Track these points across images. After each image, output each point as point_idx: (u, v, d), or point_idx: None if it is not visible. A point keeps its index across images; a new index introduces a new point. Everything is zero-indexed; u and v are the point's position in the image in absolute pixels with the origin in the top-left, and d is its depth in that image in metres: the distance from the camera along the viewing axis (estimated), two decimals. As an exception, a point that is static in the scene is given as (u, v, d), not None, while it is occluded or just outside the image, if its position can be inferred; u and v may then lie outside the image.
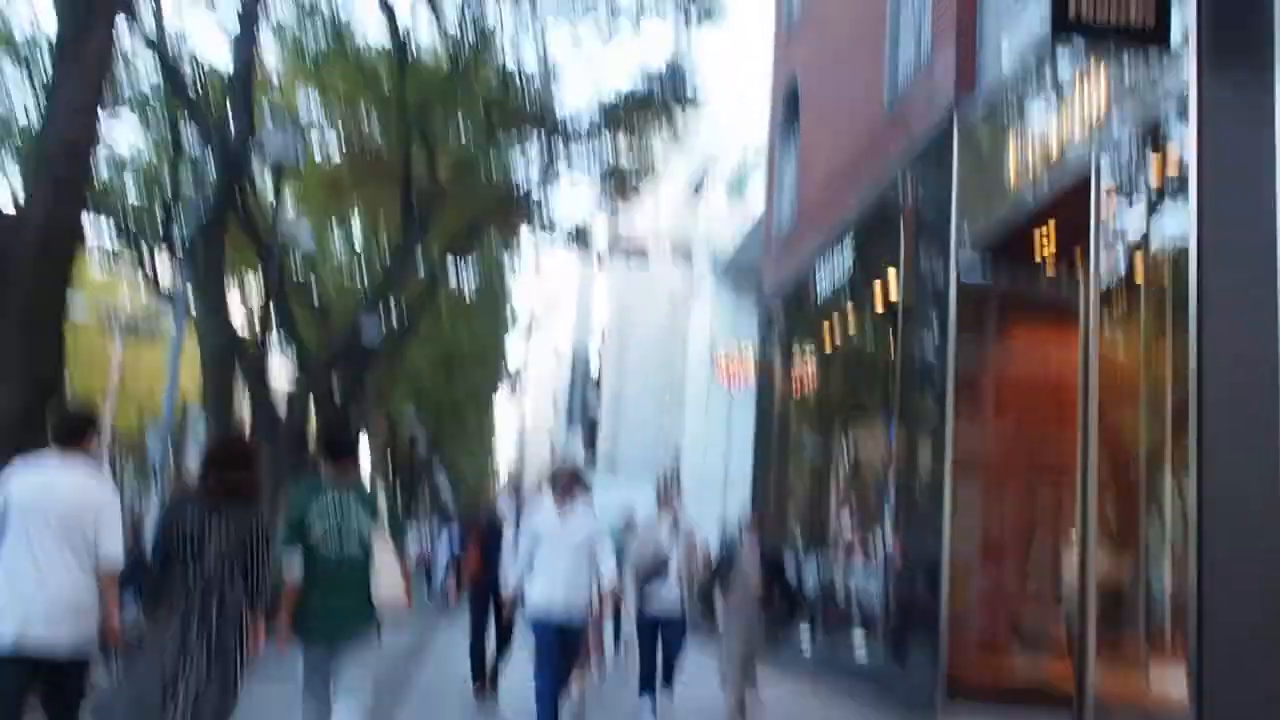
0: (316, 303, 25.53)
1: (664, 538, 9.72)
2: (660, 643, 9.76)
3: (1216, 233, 6.72)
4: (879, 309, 13.28)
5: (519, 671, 10.27)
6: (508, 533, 10.23)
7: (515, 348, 45.20)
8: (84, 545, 5.36)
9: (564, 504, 8.12)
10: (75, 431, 5.62)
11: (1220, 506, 6.53)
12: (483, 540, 10.84)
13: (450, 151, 22.06)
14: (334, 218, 26.08)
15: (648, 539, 9.96)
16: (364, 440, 37.28)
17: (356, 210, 26.02)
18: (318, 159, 23.65)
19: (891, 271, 12.73)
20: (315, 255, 25.89)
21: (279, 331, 20.14)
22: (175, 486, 18.46)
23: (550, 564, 7.91)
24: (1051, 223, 9.66)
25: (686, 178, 41.92)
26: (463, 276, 32.84)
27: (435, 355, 35.99)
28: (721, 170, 39.51)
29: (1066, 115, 8.87)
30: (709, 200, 43.62)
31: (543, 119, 22.15)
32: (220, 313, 16.33)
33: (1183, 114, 7.24)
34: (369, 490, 7.12)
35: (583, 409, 50.11)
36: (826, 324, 15.17)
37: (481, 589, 10.67)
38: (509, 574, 8.77)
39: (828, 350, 15.45)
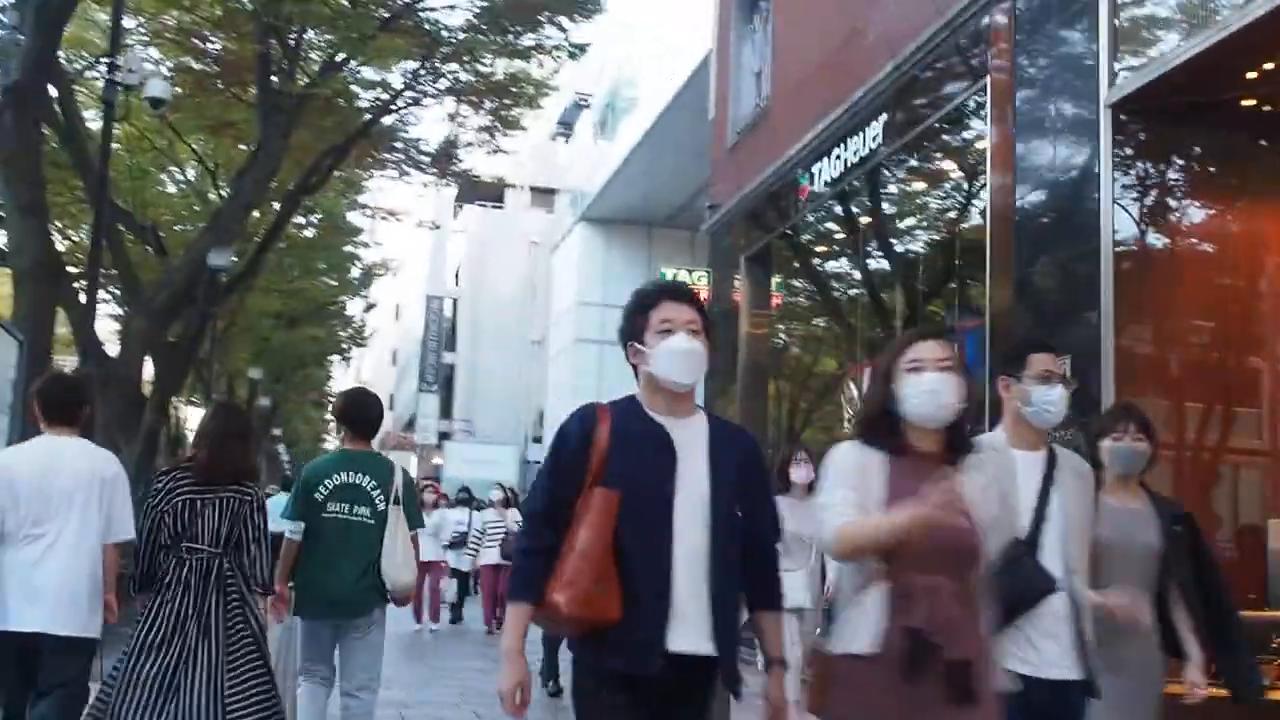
0: (150, 230, 21.92)
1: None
2: None
3: None
4: (943, 200, 10.02)
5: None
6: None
7: (357, 301, 41.79)
8: None
9: None
10: None
11: None
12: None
13: (312, 51, 18.92)
14: (170, 139, 22.44)
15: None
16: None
17: (197, 132, 22.45)
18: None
19: (958, 148, 9.44)
20: (142, 177, 22.29)
21: (107, 252, 16.70)
22: (170, 462, 15.10)
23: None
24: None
25: (552, 117, 38.96)
26: (310, 218, 29.57)
27: (279, 306, 32.61)
28: (591, 108, 36.88)
29: None
30: (575, 141, 40.86)
31: (417, 18, 19.03)
32: (37, 215, 12.84)
33: None
34: (386, 462, 6.01)
35: (437, 366, 46.89)
36: (834, 232, 12.13)
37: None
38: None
39: (837, 265, 12.38)
